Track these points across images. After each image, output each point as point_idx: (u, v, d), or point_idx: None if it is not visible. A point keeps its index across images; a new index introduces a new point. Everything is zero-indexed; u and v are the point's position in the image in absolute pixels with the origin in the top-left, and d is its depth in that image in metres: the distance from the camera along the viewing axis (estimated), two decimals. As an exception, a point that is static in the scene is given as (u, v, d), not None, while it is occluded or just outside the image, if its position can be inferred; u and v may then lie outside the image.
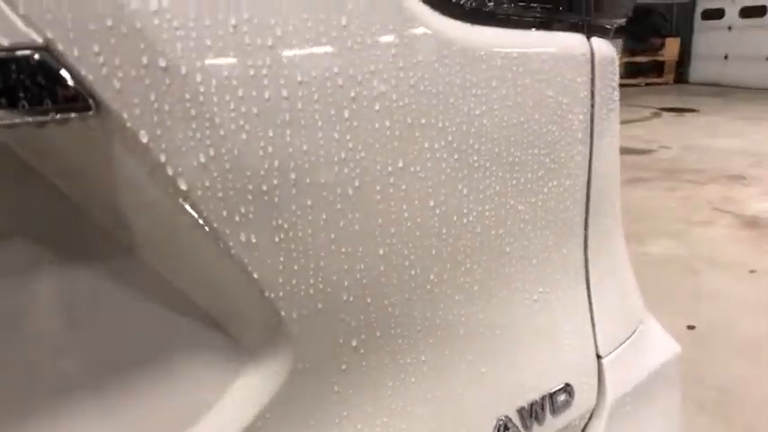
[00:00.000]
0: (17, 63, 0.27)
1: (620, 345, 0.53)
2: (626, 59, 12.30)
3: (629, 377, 0.52)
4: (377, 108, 0.37)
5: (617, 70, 0.55)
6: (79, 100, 0.28)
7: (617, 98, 0.56)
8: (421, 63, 0.38)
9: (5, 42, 0.26)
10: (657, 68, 12.56)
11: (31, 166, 0.31)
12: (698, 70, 12.58)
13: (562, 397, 0.47)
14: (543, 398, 0.45)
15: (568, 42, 0.48)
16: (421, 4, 0.38)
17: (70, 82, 0.28)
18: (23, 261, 0.33)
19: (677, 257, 2.96)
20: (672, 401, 0.60)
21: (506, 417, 0.43)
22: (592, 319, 0.51)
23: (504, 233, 0.45)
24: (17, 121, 0.27)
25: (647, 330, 0.58)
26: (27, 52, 0.27)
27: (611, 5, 0.53)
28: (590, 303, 0.51)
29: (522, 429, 0.44)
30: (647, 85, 12.10)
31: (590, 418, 0.50)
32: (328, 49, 0.35)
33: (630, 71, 12.31)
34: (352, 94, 0.36)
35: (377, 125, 0.37)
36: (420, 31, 0.38)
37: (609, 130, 0.53)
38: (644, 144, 5.88)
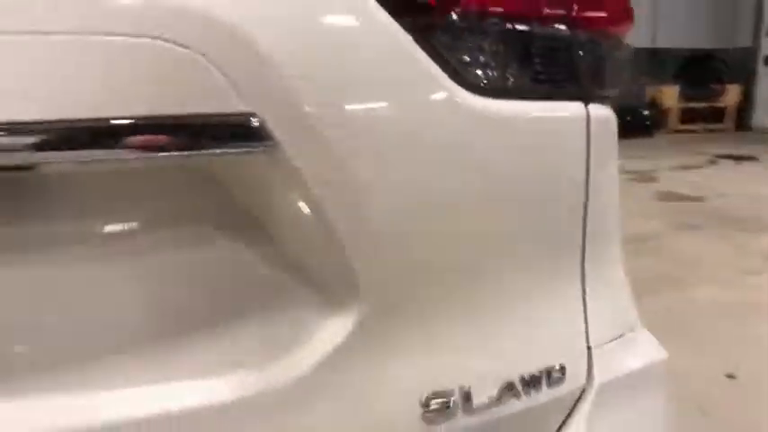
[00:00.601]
0: (234, 122, 0.47)
1: (609, 342, 0.68)
2: (683, 105, 12.18)
3: (613, 368, 0.66)
4: (430, 154, 0.56)
5: (614, 128, 0.72)
6: (267, 140, 0.49)
7: (613, 150, 0.72)
8: (458, 126, 0.57)
9: (229, 110, 0.47)
10: (717, 115, 12.34)
11: (216, 180, 0.52)
12: (761, 117, 12.28)
13: (557, 374, 0.61)
14: (541, 371, 0.60)
15: (568, 108, 0.65)
16: (457, 86, 0.57)
17: (264, 130, 0.49)
18: (193, 236, 0.54)
19: (724, 304, 2.96)
20: (656, 400, 0.73)
21: (510, 380, 0.59)
22: (585, 319, 0.66)
23: (515, 249, 0.62)
24: (230, 151, 0.50)
25: (636, 337, 0.72)
26: (241, 118, 0.48)
27: (605, 80, 0.69)
28: (584, 309, 0.66)
29: (521, 391, 0.59)
30: (706, 131, 11.88)
31: (578, 400, 0.65)
32: (405, 116, 0.55)
33: (689, 117, 12.16)
34: (415, 142, 0.55)
35: (429, 164, 0.56)
36: (457, 104, 0.57)
37: (604, 174, 0.69)
38: (698, 191, 5.83)
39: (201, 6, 0.46)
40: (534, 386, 0.60)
